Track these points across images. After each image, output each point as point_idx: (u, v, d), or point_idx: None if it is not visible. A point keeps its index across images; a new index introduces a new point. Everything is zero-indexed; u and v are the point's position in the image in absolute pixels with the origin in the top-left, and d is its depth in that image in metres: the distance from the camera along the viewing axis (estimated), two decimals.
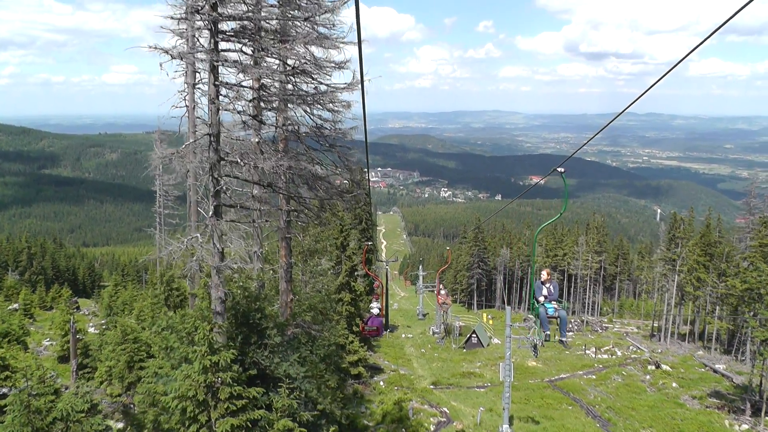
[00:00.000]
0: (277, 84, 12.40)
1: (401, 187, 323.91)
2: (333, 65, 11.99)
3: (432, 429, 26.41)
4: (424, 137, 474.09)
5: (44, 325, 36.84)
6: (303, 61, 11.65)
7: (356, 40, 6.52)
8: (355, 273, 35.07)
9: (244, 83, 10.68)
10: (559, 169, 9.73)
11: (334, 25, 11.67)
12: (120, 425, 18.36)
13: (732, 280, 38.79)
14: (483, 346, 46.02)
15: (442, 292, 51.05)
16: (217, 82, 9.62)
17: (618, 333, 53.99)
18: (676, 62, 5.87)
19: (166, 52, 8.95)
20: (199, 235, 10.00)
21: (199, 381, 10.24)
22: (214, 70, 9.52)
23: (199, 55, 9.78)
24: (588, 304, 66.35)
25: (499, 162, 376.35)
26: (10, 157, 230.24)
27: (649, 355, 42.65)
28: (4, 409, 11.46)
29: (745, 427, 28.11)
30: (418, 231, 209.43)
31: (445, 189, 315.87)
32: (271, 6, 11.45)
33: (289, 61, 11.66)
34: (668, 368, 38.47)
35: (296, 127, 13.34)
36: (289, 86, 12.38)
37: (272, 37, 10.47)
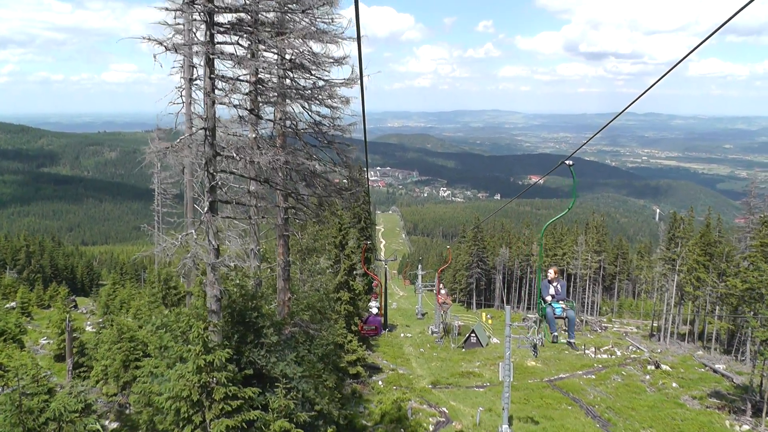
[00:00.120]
0: (274, 78, 12.20)
1: (400, 187, 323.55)
2: (331, 60, 11.84)
3: (431, 429, 26.24)
4: (424, 137, 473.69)
5: (41, 323, 36.67)
6: (301, 55, 11.47)
7: (355, 36, 6.32)
8: (354, 272, 34.92)
9: (241, 77, 10.49)
10: (567, 162, 9.52)
11: (332, 19, 11.53)
12: (114, 425, 18.16)
13: (732, 279, 38.67)
14: (482, 346, 45.89)
15: (442, 291, 50.73)
16: (212, 75, 9.42)
17: (617, 333, 53.87)
18: (675, 62, 5.71)
19: (161, 43, 8.74)
20: (194, 231, 9.79)
21: (193, 381, 10.03)
22: (209, 63, 9.33)
23: (195, 48, 9.58)
24: (587, 303, 66.25)
25: (499, 161, 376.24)
26: (9, 155, 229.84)
27: (649, 355, 42.53)
28: None
29: (745, 427, 27.97)
30: (417, 230, 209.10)
31: (444, 188, 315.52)
32: None
33: (287, 55, 11.47)
34: (668, 368, 38.35)
35: (294, 123, 13.14)
36: (287, 81, 12.19)
37: (269, 29, 10.27)
